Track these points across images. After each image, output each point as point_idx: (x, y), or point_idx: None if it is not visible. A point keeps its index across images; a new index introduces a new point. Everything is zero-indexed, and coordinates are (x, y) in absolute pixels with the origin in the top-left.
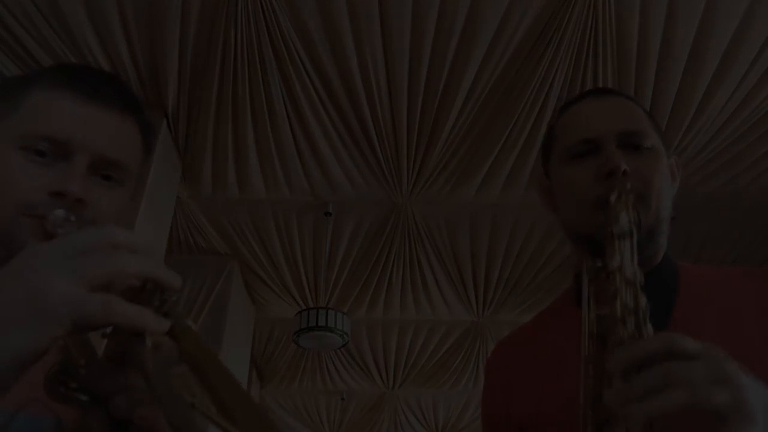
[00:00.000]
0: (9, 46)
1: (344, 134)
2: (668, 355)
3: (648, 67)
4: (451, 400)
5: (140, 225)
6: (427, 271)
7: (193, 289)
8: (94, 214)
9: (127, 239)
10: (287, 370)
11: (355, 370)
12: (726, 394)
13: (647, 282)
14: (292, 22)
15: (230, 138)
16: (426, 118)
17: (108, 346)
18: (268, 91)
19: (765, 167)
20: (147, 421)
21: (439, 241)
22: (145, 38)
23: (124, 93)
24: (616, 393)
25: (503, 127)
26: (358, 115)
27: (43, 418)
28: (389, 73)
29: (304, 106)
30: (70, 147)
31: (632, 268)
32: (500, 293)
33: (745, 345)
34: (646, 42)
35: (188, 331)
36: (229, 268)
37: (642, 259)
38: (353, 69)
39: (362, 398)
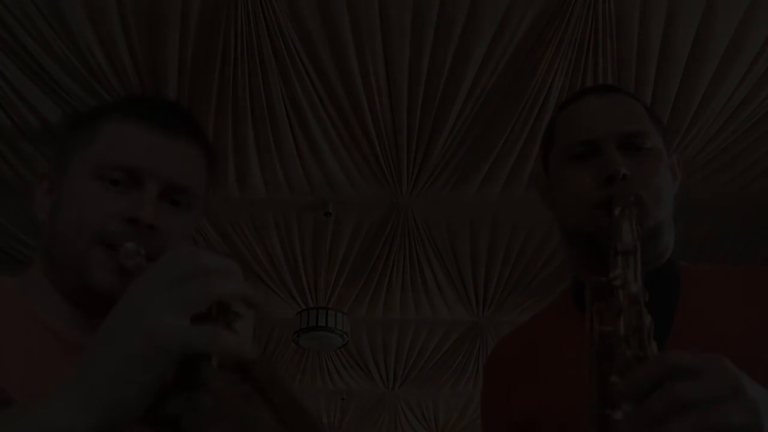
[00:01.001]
0: (9, 46)
1: (344, 134)
2: (670, 376)
3: (648, 67)
4: (451, 400)
5: None
6: (427, 271)
7: None
8: (164, 239)
9: (216, 263)
10: (287, 370)
11: (355, 370)
12: (741, 413)
13: (650, 282)
14: (292, 22)
15: (230, 138)
16: (426, 118)
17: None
18: (268, 91)
19: (765, 167)
20: None
21: (439, 241)
22: (145, 38)
23: (189, 121)
24: (626, 423)
25: (503, 127)
26: (358, 115)
27: None
28: (389, 73)
29: (304, 106)
30: (142, 175)
31: (636, 285)
32: (500, 293)
33: (746, 347)
34: (646, 42)
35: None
36: None
37: (646, 259)
38: (353, 69)
39: (362, 398)
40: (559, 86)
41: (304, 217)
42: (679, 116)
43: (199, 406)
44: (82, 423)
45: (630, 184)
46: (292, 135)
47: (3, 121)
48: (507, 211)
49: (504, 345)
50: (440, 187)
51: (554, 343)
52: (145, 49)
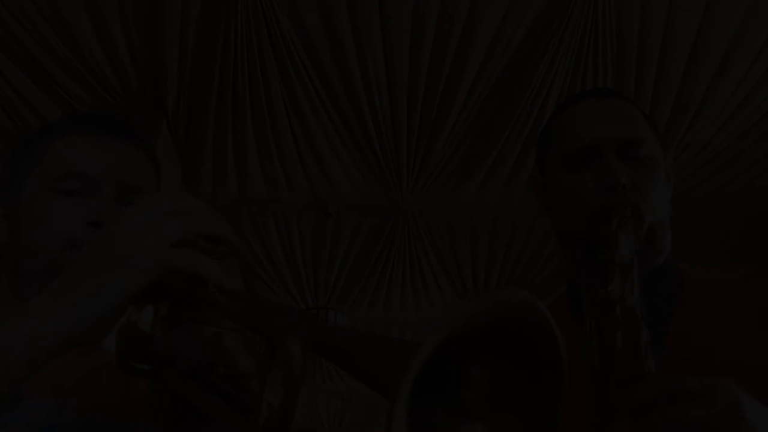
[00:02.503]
0: (9, 46)
1: (344, 134)
2: (669, 395)
3: (648, 66)
4: None
5: None
6: (427, 271)
7: None
8: None
9: (199, 205)
10: None
11: None
12: None
13: (647, 284)
14: (292, 22)
15: (230, 138)
16: (426, 118)
17: (169, 313)
18: (268, 91)
19: (765, 167)
20: (225, 360)
21: (439, 241)
22: (145, 38)
23: (131, 128)
24: None
25: (503, 128)
26: (358, 115)
27: (88, 416)
28: (389, 73)
29: (304, 106)
30: (97, 180)
31: (633, 299)
32: None
33: (744, 350)
34: (646, 42)
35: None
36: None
37: (643, 263)
38: (353, 69)
39: (362, 398)
40: (559, 87)
41: (304, 217)
42: (680, 116)
43: (201, 337)
44: (53, 330)
45: (629, 193)
46: (292, 135)
47: (3, 121)
48: (507, 211)
49: None
50: (440, 187)
51: None
52: (145, 49)
